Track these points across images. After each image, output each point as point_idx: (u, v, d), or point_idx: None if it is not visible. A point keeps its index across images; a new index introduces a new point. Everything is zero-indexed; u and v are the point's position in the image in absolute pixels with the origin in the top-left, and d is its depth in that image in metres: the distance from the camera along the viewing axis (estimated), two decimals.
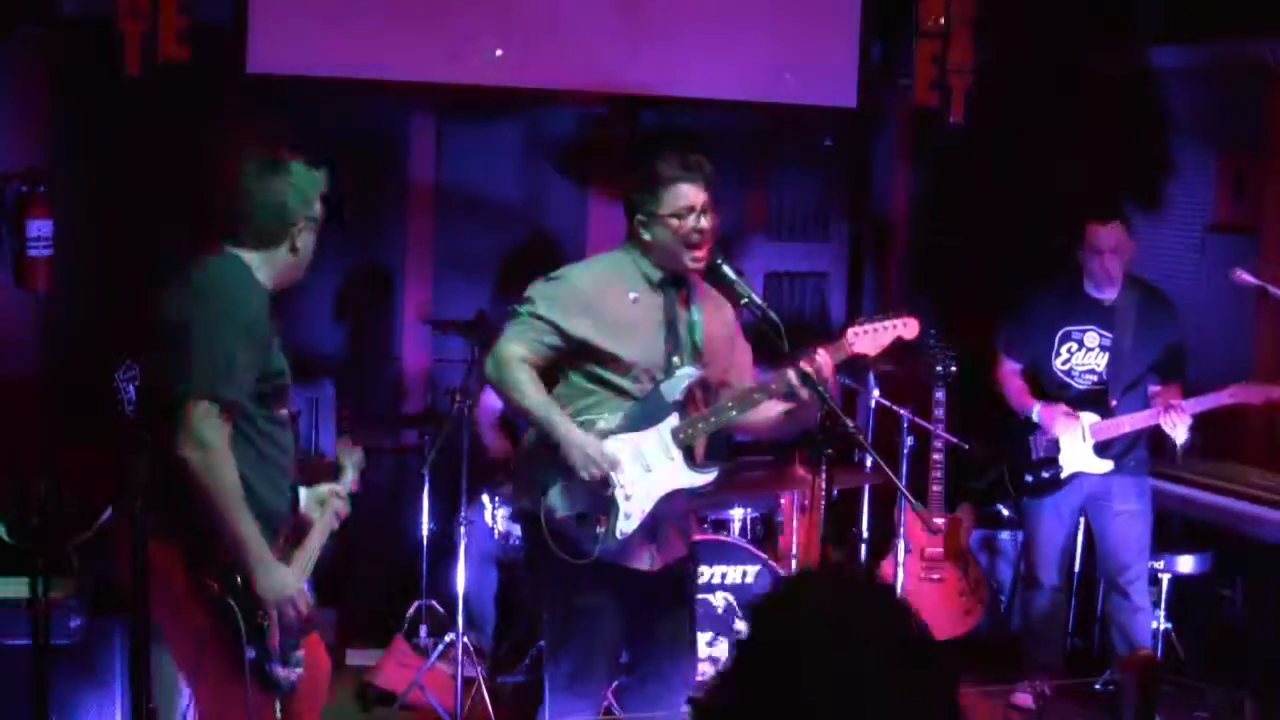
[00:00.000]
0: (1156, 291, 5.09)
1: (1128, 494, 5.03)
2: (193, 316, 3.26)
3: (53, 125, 5.48)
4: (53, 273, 5.32)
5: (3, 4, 5.26)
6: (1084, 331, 5.00)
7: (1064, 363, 5.04)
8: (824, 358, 3.70)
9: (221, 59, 5.41)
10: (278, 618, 3.27)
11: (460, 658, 4.87)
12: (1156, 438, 5.08)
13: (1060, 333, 5.04)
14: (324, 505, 3.60)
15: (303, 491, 3.59)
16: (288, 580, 3.29)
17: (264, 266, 3.40)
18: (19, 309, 5.40)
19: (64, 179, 5.40)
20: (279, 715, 3.36)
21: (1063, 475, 5.05)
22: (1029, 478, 5.13)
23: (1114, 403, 4.93)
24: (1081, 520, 5.22)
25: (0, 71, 5.39)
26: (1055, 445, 5.04)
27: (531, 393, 3.81)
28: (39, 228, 5.27)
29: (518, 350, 3.83)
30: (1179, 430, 4.82)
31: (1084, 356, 5.00)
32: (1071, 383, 5.03)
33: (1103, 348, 4.99)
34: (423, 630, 5.45)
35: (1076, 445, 4.99)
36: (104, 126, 5.47)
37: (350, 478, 3.77)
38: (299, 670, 3.36)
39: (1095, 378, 5.01)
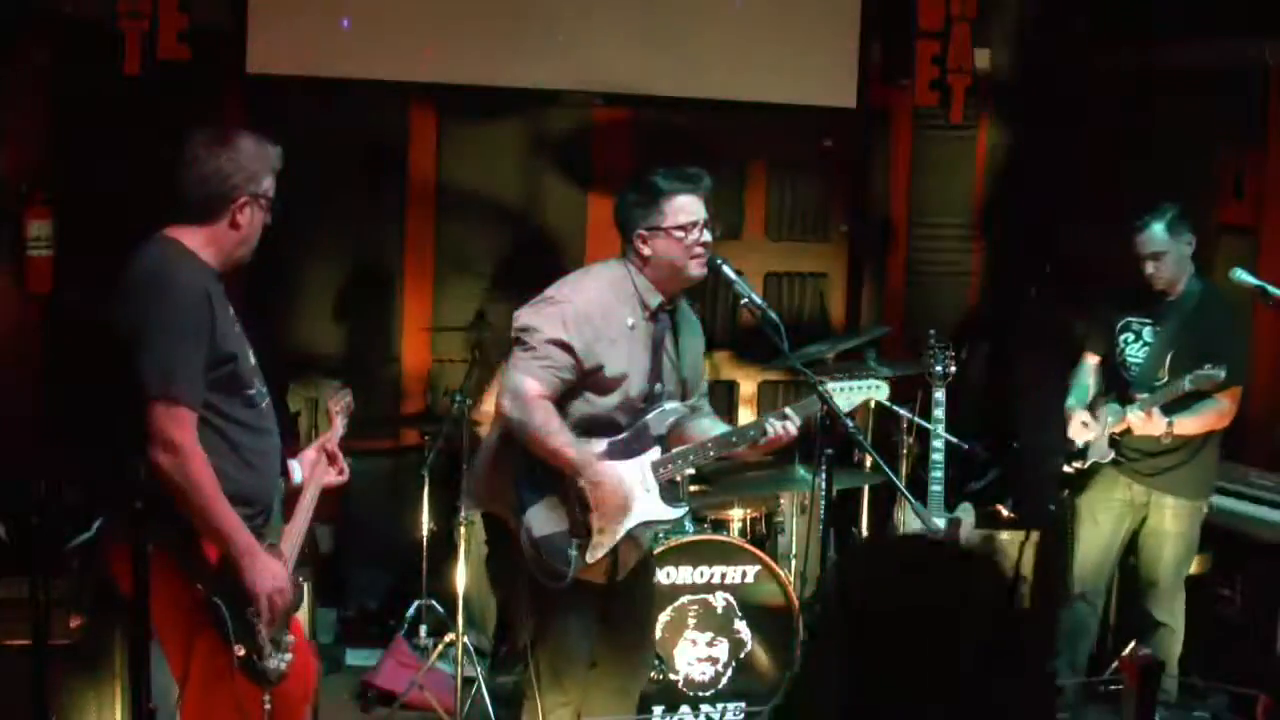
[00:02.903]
0: (1223, 299, 4.95)
1: (1164, 512, 4.93)
2: (133, 320, 3.23)
3: (53, 125, 5.48)
4: (53, 273, 5.34)
5: (3, 4, 5.26)
6: (1144, 324, 4.95)
7: (1120, 353, 5.00)
8: (795, 419, 3.81)
9: (221, 59, 5.41)
10: (266, 607, 3.27)
11: (460, 658, 4.87)
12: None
13: (1121, 323, 5.00)
14: (314, 467, 3.61)
15: (294, 463, 3.59)
16: (275, 571, 3.29)
17: (207, 245, 3.34)
18: (19, 309, 5.40)
19: (64, 179, 5.41)
20: (268, 707, 3.36)
21: (1084, 466, 5.02)
22: (1065, 468, 5.11)
23: (1138, 396, 4.84)
24: (1127, 531, 5.07)
25: (0, 72, 5.39)
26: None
27: (562, 434, 3.76)
28: (39, 228, 5.29)
29: (536, 387, 3.76)
30: (1150, 427, 4.71)
31: (1138, 350, 4.96)
32: (1125, 374, 4.99)
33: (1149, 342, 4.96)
34: (423, 630, 5.45)
35: (1098, 436, 4.97)
36: (104, 126, 5.47)
37: (340, 427, 3.77)
38: (288, 658, 3.36)
39: (1139, 370, 4.94)
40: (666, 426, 3.89)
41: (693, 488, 5.02)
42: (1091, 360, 5.13)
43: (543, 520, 3.82)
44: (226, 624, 3.22)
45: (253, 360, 3.41)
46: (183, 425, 3.17)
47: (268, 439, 3.43)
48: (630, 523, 3.85)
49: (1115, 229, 5.00)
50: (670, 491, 3.94)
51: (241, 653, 3.24)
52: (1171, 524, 4.94)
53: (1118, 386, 5.00)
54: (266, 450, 3.42)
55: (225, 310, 3.33)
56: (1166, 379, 4.81)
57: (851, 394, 3.92)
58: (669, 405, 3.89)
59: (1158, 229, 4.77)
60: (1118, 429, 4.89)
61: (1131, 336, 4.98)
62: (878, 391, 3.99)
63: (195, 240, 3.33)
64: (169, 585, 3.21)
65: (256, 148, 3.37)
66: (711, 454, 3.97)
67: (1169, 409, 4.77)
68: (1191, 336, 4.82)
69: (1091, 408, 5.04)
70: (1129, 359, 4.98)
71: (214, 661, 3.25)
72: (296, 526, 3.51)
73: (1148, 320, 4.94)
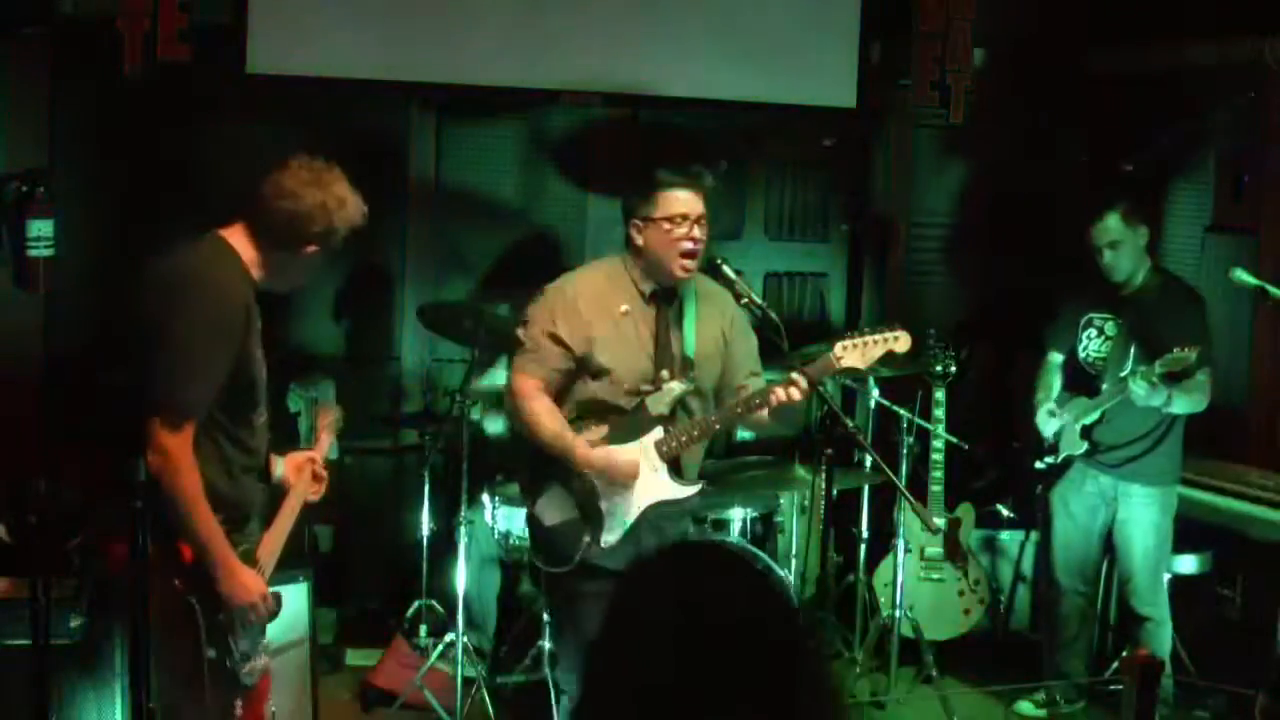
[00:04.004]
0: (1183, 287, 5.03)
1: (1130, 502, 4.98)
2: (164, 320, 3.18)
3: (53, 125, 5.48)
4: (53, 273, 5.33)
5: (3, 4, 5.26)
6: (1105, 319, 4.98)
7: (1083, 349, 5.04)
8: (800, 380, 3.74)
9: (221, 59, 5.41)
10: (240, 619, 3.27)
11: (460, 658, 4.87)
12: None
13: (1084, 319, 5.03)
14: (300, 473, 3.59)
15: (278, 461, 3.58)
16: (250, 583, 3.28)
17: (260, 262, 3.29)
18: (19, 309, 5.40)
19: (64, 179, 5.40)
20: (239, 712, 3.34)
21: (1057, 460, 5.05)
22: (1036, 464, 5.13)
23: (1105, 386, 4.87)
24: (1104, 523, 5.11)
25: (0, 71, 5.39)
26: (1058, 433, 5.04)
27: (546, 424, 3.82)
28: (39, 228, 5.27)
29: (529, 382, 3.85)
30: (1153, 396, 4.71)
31: (1102, 344, 4.98)
32: (1090, 369, 5.02)
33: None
34: (423, 630, 5.45)
35: (1069, 429, 4.99)
36: (104, 126, 5.47)
37: (326, 443, 3.76)
38: (261, 665, 3.36)
39: (1103, 363, 4.98)
40: (669, 406, 3.87)
41: None
42: (1056, 358, 5.16)
43: (554, 509, 3.87)
44: (199, 624, 3.21)
45: (264, 381, 3.39)
46: (182, 436, 3.16)
47: (257, 457, 3.42)
48: (640, 504, 3.86)
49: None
50: (679, 470, 3.94)
51: (212, 655, 3.24)
52: (1140, 512, 4.97)
53: (1083, 382, 5.02)
54: (253, 466, 3.42)
55: (256, 328, 3.31)
56: (1130, 370, 4.82)
57: (868, 349, 3.83)
58: (668, 385, 3.87)
59: (1113, 219, 4.83)
60: (1091, 418, 4.89)
61: (1094, 332, 5.01)
62: (897, 343, 3.84)
63: (249, 252, 3.28)
64: (155, 579, 3.20)
65: (353, 203, 3.33)
66: (716, 426, 3.94)
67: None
68: (1155, 327, 4.84)
69: (1057, 405, 5.06)
70: (1093, 354, 5.01)
71: (188, 659, 3.24)
72: (276, 534, 3.48)
73: (1109, 315, 4.97)
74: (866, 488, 5.60)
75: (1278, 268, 5.43)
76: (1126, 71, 6.37)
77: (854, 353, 3.82)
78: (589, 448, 3.82)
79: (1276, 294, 4.70)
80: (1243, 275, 4.78)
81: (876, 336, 3.83)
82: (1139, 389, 4.69)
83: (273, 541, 3.46)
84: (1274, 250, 5.64)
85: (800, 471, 5.27)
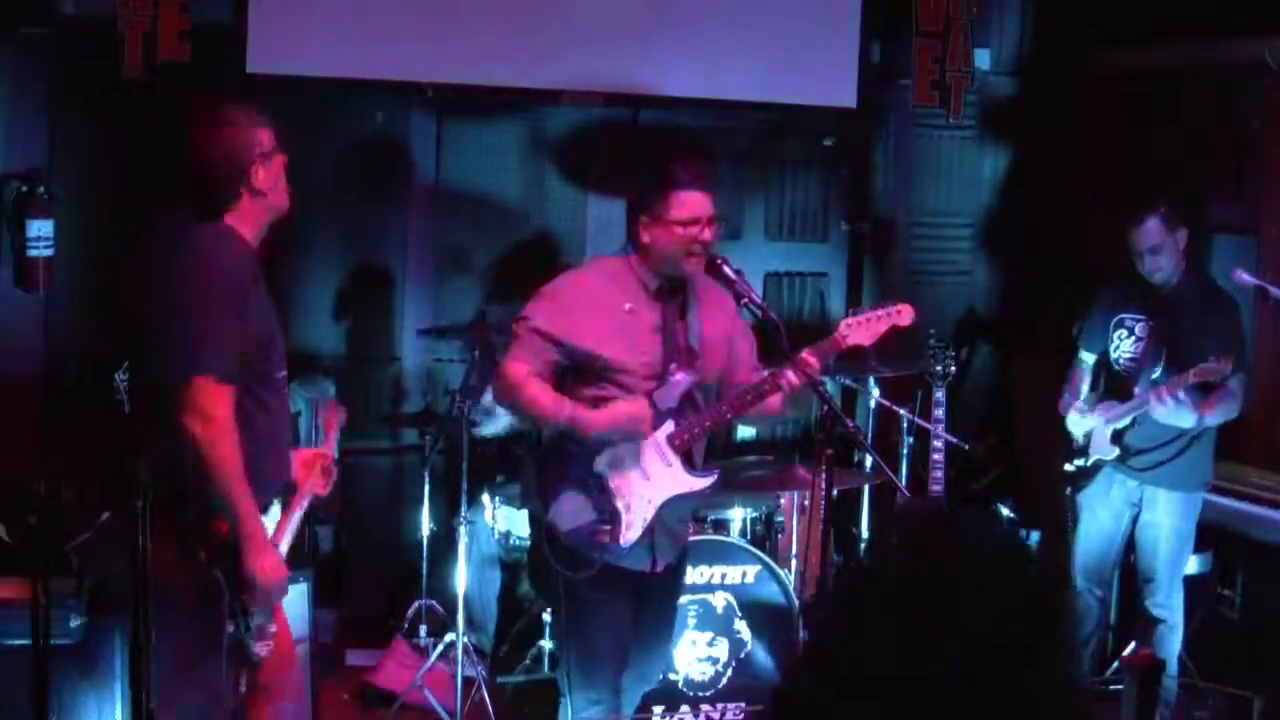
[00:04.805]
0: (1218, 289, 4.97)
1: (1155, 505, 4.94)
2: (184, 293, 3.28)
3: (53, 125, 5.48)
4: (53, 273, 5.34)
5: (3, 4, 5.26)
6: (1137, 320, 4.96)
7: (1115, 349, 5.01)
8: (811, 360, 3.74)
9: (221, 59, 5.41)
10: (260, 596, 3.31)
11: (460, 658, 4.87)
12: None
13: (1115, 319, 5.00)
14: (309, 469, 3.66)
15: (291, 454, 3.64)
16: (276, 564, 3.34)
17: (242, 220, 3.40)
18: (19, 309, 5.40)
19: (64, 179, 5.41)
20: (243, 689, 3.42)
21: (1088, 463, 5.03)
22: (1067, 466, 5.11)
23: (1138, 390, 4.85)
24: (1127, 527, 5.08)
25: (0, 71, 5.39)
26: (1089, 434, 5.03)
27: (545, 400, 3.81)
28: (39, 228, 5.28)
29: (522, 368, 3.84)
30: (1174, 413, 4.68)
31: (1132, 344, 4.96)
32: (1120, 370, 5.00)
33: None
34: (423, 630, 5.45)
35: (1099, 432, 4.97)
36: (104, 126, 5.47)
37: (335, 442, 3.83)
38: (270, 644, 3.42)
39: (1134, 365, 4.95)
40: (677, 399, 3.86)
41: None
42: (1087, 359, 5.14)
43: (571, 514, 3.84)
44: (224, 600, 3.25)
45: (280, 341, 3.47)
46: (223, 400, 3.22)
47: (282, 421, 3.49)
48: (658, 498, 3.85)
49: (1114, 228, 5.00)
50: (695, 461, 3.94)
51: (231, 629, 3.29)
52: (1165, 517, 4.94)
53: (1113, 383, 5.01)
54: (280, 432, 3.48)
55: (263, 290, 3.40)
56: (1161, 372, 4.81)
57: (873, 325, 3.84)
58: (675, 378, 3.86)
59: (1154, 223, 4.78)
60: (1123, 423, 4.89)
61: (1125, 333, 4.98)
62: (900, 317, 3.86)
63: (232, 219, 3.39)
64: (169, 553, 3.21)
65: (242, 115, 3.45)
66: (728, 415, 3.94)
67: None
68: (1188, 330, 4.81)
69: (1088, 405, 5.05)
70: (1124, 355, 4.99)
71: (204, 634, 3.28)
72: (289, 524, 3.56)
73: (1141, 316, 4.95)
74: (866, 488, 5.60)
75: (1278, 268, 5.44)
76: (1127, 71, 6.37)
77: (859, 330, 3.84)
78: (589, 410, 3.79)
79: (1277, 294, 4.70)
80: (1243, 275, 4.77)
81: (880, 312, 3.86)
82: (1162, 408, 4.66)
83: (285, 531, 3.54)
84: (1274, 250, 5.64)
85: (800, 471, 5.27)
